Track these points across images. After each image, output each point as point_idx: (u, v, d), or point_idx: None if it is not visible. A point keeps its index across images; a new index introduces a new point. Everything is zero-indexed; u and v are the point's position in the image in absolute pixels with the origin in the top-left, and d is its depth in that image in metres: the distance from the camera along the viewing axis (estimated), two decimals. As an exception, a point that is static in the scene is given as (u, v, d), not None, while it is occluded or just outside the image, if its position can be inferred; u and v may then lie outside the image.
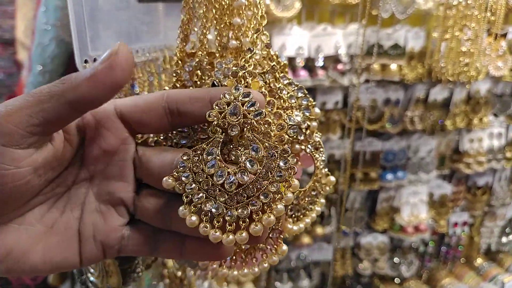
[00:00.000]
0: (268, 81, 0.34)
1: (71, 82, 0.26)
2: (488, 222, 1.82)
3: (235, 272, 0.38)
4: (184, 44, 0.38)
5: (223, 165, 0.28)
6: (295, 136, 0.34)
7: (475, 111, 1.57)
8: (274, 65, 0.36)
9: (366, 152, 1.47)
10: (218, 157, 0.29)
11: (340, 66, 1.32)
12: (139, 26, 0.95)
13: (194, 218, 0.27)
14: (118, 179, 0.31)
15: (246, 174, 0.28)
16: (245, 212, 0.27)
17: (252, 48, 0.34)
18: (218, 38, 0.36)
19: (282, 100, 0.35)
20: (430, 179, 1.58)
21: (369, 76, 1.37)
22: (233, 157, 0.30)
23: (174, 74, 0.38)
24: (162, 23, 0.99)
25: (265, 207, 0.27)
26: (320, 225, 1.46)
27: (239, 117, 0.29)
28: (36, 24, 0.91)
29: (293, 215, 0.38)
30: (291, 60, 1.28)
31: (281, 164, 0.28)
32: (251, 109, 0.29)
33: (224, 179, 0.28)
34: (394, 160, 1.50)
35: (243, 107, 0.29)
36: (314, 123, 0.36)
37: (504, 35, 1.55)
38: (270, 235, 0.36)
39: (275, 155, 0.28)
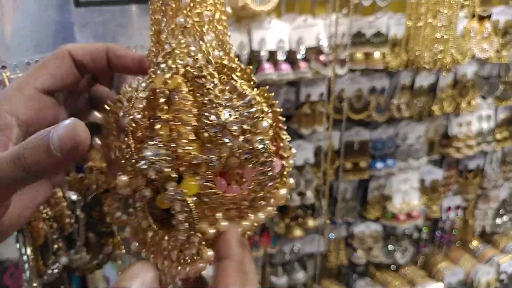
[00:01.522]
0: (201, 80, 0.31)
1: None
2: (482, 205, 1.82)
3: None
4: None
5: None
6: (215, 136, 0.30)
7: (462, 94, 1.56)
8: (226, 64, 0.34)
9: (354, 142, 1.47)
10: None
11: (322, 57, 1.30)
12: (114, 28, 0.94)
13: None
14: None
15: None
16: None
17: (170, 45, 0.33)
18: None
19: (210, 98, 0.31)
20: (420, 165, 1.58)
21: (353, 66, 1.37)
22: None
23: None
24: (136, 24, 0.99)
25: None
26: (311, 217, 1.46)
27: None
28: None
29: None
30: (272, 54, 1.27)
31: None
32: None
33: None
34: (383, 148, 1.50)
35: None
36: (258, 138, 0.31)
37: (489, 17, 1.54)
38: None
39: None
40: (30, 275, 0.59)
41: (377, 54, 1.36)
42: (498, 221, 1.87)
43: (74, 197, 0.61)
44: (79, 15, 0.81)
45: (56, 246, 0.60)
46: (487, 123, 1.66)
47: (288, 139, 0.36)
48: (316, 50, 1.31)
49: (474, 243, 1.85)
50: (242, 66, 0.36)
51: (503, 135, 1.70)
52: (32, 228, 0.60)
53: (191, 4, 0.33)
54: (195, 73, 0.31)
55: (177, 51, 0.32)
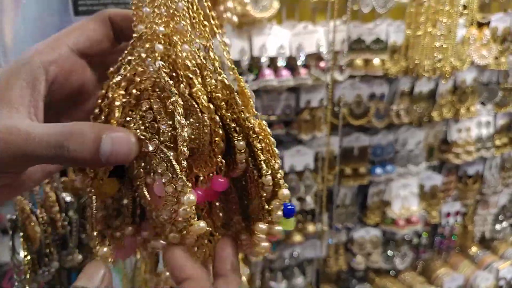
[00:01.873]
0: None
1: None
2: (481, 210, 1.82)
3: None
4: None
5: None
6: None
7: (461, 100, 1.57)
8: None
9: (353, 148, 1.47)
10: None
11: (322, 64, 1.31)
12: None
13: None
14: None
15: None
16: None
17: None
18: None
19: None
20: (419, 171, 1.58)
21: (353, 72, 1.37)
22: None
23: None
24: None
25: None
26: (311, 222, 1.47)
27: None
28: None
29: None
30: (273, 60, 1.28)
31: None
32: None
33: None
34: (382, 154, 1.50)
35: None
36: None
37: (487, 24, 1.55)
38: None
39: None
40: (23, 278, 0.60)
41: (376, 61, 1.37)
42: (498, 227, 1.87)
43: (68, 198, 0.62)
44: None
45: (48, 250, 0.61)
46: (487, 129, 1.67)
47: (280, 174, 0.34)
48: (316, 57, 1.32)
49: (474, 249, 1.85)
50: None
51: (502, 141, 1.70)
52: (28, 232, 0.61)
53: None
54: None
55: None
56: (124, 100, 0.32)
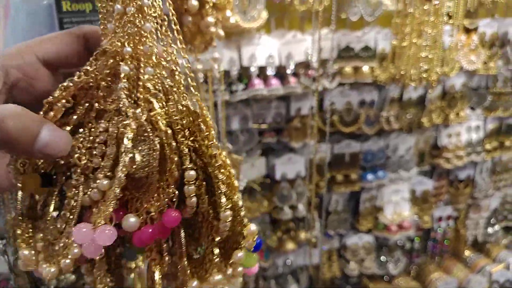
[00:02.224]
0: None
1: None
2: (473, 214, 1.83)
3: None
4: None
5: None
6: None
7: (451, 106, 1.58)
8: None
9: (344, 154, 1.48)
10: None
11: (311, 72, 1.32)
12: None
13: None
14: None
15: None
16: None
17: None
18: None
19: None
20: (411, 176, 1.59)
21: (342, 79, 1.38)
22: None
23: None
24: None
25: None
26: (303, 230, 1.47)
27: None
28: None
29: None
30: (262, 69, 1.29)
31: None
32: None
33: None
34: (373, 160, 1.51)
35: None
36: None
37: (475, 29, 1.56)
38: None
39: None
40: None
41: (365, 68, 1.38)
42: (490, 230, 1.88)
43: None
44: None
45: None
46: (476, 133, 1.68)
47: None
48: (305, 65, 1.33)
49: (466, 252, 1.86)
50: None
51: (492, 145, 1.72)
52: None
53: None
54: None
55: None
56: (65, 104, 0.32)
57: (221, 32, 0.87)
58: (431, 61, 1.04)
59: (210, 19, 0.81)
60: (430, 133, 1.62)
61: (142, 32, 0.31)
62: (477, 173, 1.76)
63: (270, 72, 1.28)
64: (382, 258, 1.64)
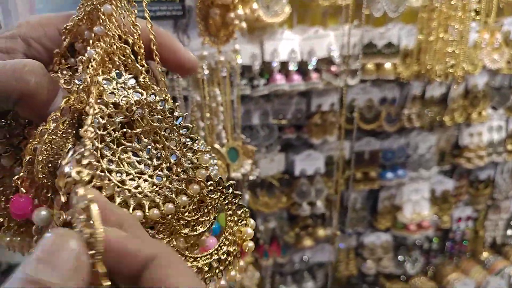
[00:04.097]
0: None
1: None
2: (492, 216, 1.81)
3: None
4: None
5: None
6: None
7: (473, 105, 1.56)
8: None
9: (364, 152, 1.47)
10: None
11: (333, 68, 1.31)
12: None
13: None
14: None
15: None
16: None
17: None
18: None
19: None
20: (431, 176, 1.57)
21: (364, 76, 1.37)
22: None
23: None
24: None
25: None
26: (321, 227, 1.46)
27: None
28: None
29: None
30: (284, 64, 1.28)
31: None
32: None
33: None
34: (393, 158, 1.50)
35: None
36: None
37: (500, 28, 1.54)
38: None
39: None
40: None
41: (388, 65, 1.36)
42: (509, 232, 1.85)
43: None
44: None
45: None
46: (498, 133, 1.65)
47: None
48: (327, 61, 1.32)
49: (485, 254, 1.83)
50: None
51: (514, 146, 1.69)
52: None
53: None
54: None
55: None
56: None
57: (244, 25, 0.87)
58: (458, 56, 1.02)
59: (240, 11, 0.81)
60: (451, 132, 1.60)
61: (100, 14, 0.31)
62: (498, 174, 1.74)
63: (292, 67, 1.28)
64: (400, 257, 1.62)
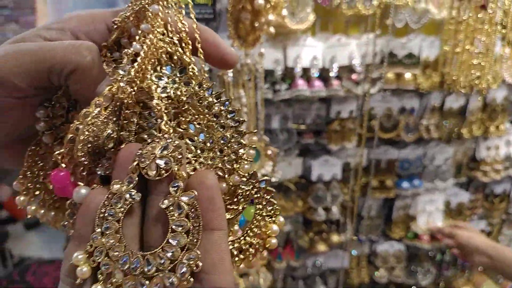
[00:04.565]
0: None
1: None
2: (507, 230, 1.80)
3: None
4: None
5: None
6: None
7: (491, 118, 1.56)
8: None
9: (381, 160, 1.48)
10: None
11: (354, 76, 1.33)
12: None
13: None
14: None
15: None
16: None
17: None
18: None
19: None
20: (447, 187, 1.58)
21: (383, 85, 1.39)
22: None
23: None
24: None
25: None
26: (335, 232, 1.47)
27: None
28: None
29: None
30: (306, 70, 1.31)
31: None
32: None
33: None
34: (409, 168, 1.51)
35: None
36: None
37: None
38: None
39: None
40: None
41: (408, 75, 1.38)
42: (523, 247, 1.84)
43: None
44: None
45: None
46: (516, 148, 1.65)
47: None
48: (348, 69, 1.34)
49: (498, 269, 1.82)
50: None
51: (531, 161, 1.68)
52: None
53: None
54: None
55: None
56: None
57: (273, 30, 0.90)
58: (483, 69, 1.04)
59: (271, 16, 0.83)
60: (469, 144, 1.60)
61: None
62: (514, 189, 1.73)
63: (313, 73, 1.30)
64: (412, 268, 1.62)
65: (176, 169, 0.27)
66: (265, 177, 0.33)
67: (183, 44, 0.34)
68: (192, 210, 0.26)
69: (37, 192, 0.37)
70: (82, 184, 0.31)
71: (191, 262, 0.25)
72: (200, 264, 0.25)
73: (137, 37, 0.33)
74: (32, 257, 2.72)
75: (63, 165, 0.31)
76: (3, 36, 3.21)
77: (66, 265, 0.26)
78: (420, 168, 1.52)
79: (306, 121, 1.39)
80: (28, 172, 0.36)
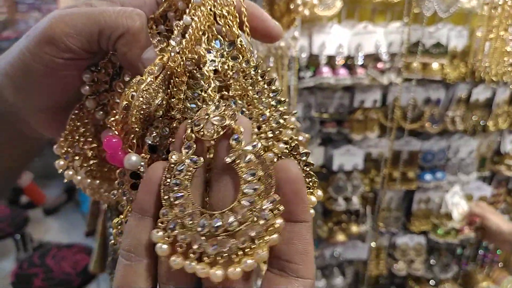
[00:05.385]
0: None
1: None
2: (529, 226, 1.76)
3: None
4: None
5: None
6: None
7: (518, 111, 1.53)
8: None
9: (404, 152, 1.46)
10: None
11: (380, 65, 1.31)
12: None
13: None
14: None
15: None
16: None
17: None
18: None
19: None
20: (469, 181, 1.55)
21: (409, 75, 1.36)
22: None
23: None
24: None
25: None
26: (355, 223, 1.46)
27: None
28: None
29: None
30: (331, 58, 1.29)
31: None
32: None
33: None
34: (433, 160, 1.48)
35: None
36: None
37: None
38: None
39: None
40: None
41: (435, 65, 1.35)
42: (546, 245, 1.80)
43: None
44: None
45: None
46: (542, 142, 1.61)
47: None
48: (374, 57, 1.32)
49: (518, 265, 1.79)
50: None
51: (557, 156, 1.64)
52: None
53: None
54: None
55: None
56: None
57: (307, 12, 0.88)
58: (517, 57, 1.01)
59: (304, -2, 0.82)
60: (494, 137, 1.57)
61: None
62: (538, 184, 1.69)
63: (338, 61, 1.28)
64: (432, 261, 1.61)
65: (232, 123, 0.26)
66: (306, 150, 0.33)
67: (231, 17, 0.34)
68: (258, 157, 0.26)
69: (76, 158, 0.37)
70: (132, 151, 0.31)
71: (273, 206, 0.25)
72: (282, 208, 0.25)
73: (187, 10, 0.33)
74: (51, 241, 2.78)
75: (116, 132, 0.31)
76: (26, 24, 3.25)
77: (128, 240, 0.25)
78: (443, 161, 1.49)
79: (328, 109, 1.37)
80: (69, 136, 0.37)
